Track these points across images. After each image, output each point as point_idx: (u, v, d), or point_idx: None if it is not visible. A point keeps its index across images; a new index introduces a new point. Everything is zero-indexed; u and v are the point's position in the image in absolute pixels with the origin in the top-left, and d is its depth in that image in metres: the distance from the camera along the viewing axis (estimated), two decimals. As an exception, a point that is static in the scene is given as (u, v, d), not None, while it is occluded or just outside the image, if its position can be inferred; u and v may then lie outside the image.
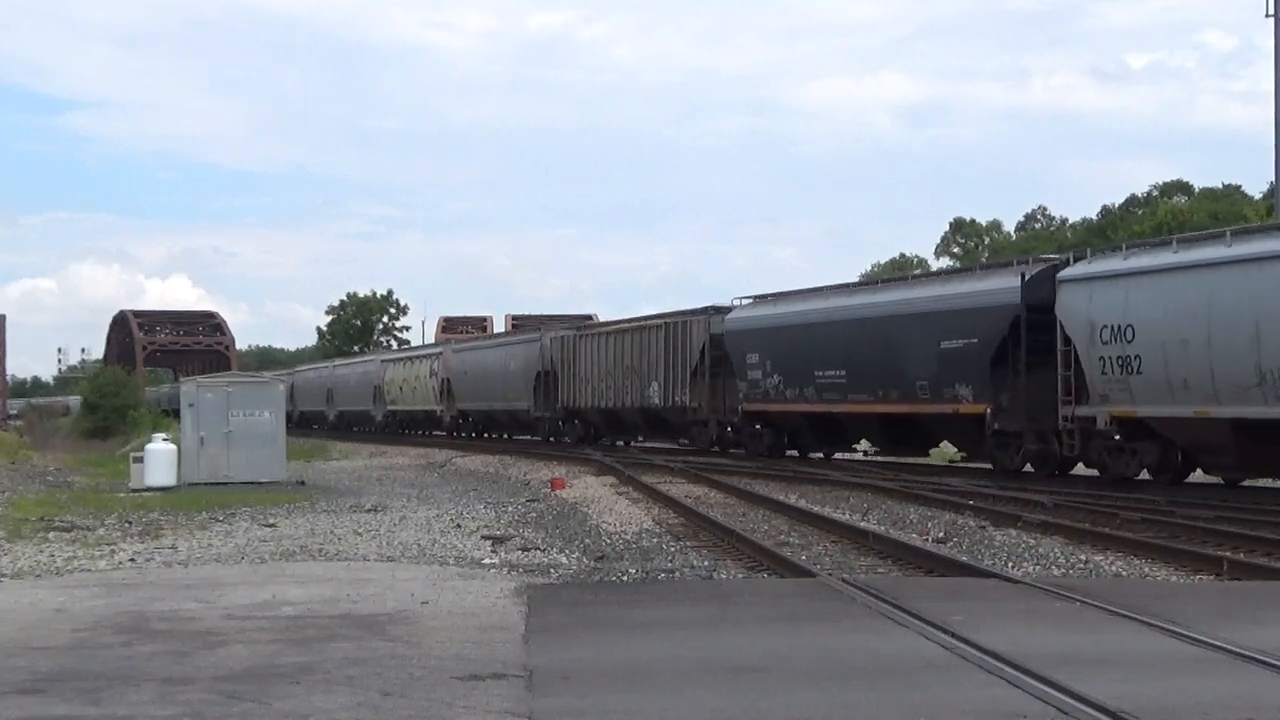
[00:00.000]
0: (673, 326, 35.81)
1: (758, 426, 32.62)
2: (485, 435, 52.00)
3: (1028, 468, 24.48)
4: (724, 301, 35.73)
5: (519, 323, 72.81)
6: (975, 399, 24.91)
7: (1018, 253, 66.12)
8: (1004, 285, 24.67)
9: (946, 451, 31.72)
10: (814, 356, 29.66)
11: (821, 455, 32.16)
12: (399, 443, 52.88)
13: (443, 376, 52.40)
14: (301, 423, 73.74)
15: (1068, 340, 22.82)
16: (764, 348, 31.61)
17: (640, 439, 40.72)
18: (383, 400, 60.65)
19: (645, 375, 36.74)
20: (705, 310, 35.25)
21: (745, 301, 34.16)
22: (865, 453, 32.50)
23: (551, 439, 43.69)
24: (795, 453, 32.33)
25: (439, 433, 54.71)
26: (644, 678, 7.97)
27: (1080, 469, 24.44)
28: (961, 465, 28.46)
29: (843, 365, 28.78)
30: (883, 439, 29.78)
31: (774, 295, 33.82)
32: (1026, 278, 23.90)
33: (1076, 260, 23.88)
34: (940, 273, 29.37)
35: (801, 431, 31.77)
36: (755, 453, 32.15)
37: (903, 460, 29.72)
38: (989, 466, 25.62)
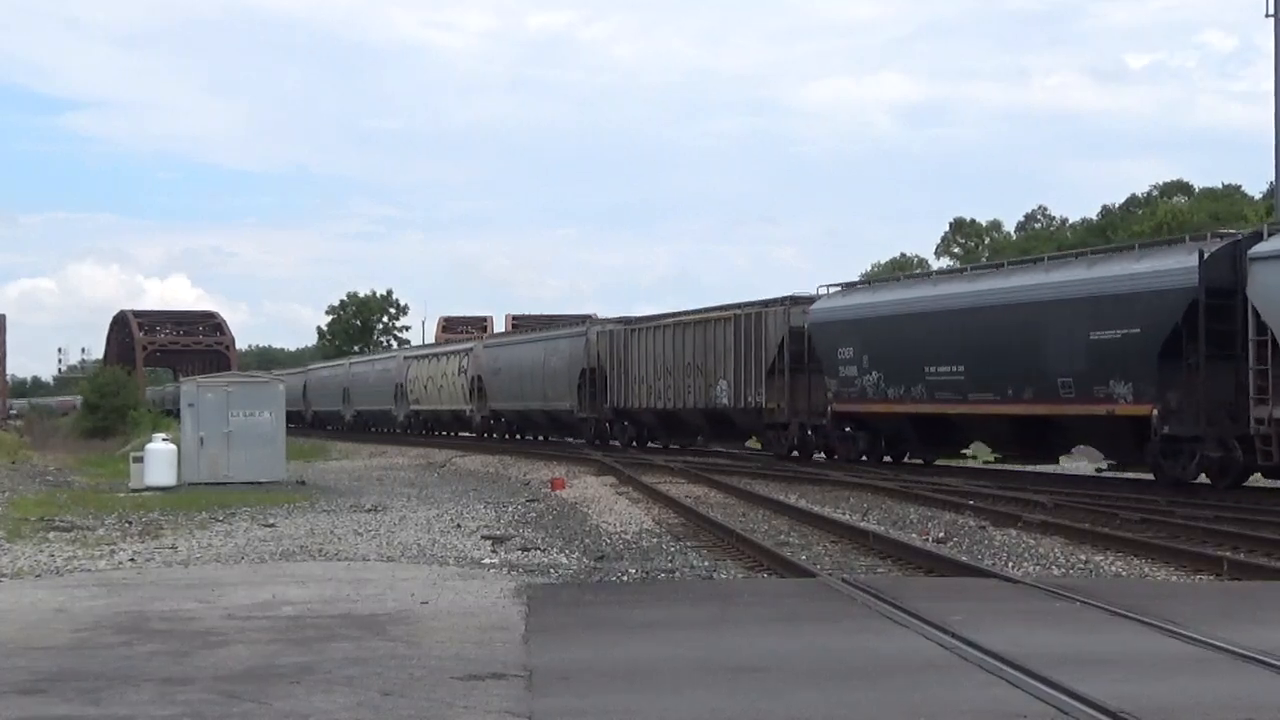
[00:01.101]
0: (745, 319, 32.41)
1: (848, 429, 29.52)
2: (519, 437, 48.85)
3: (1202, 478, 21.19)
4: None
5: (519, 323, 72.20)
6: (1136, 399, 21.34)
7: (1018, 253, 65.97)
8: (1176, 265, 21.04)
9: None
10: (924, 350, 26.07)
11: (921, 461, 28.94)
12: (399, 442, 52.74)
13: (473, 374, 49.14)
14: (315, 424, 71.61)
15: (1263, 328, 19.42)
16: (861, 341, 28.17)
17: (701, 442, 37.79)
18: (405, 399, 57.44)
19: (711, 373, 33.58)
20: (783, 301, 31.84)
21: (831, 290, 31.01)
22: (982, 460, 29.06)
23: (597, 442, 40.23)
24: (889, 458, 29.12)
25: (467, 434, 52.17)
26: (644, 678, 7.97)
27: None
28: (1109, 474, 24.28)
29: (961, 360, 25.19)
30: (1010, 444, 26.41)
31: (871, 282, 31.45)
32: (1206, 255, 20.31)
33: (1271, 234, 20.35)
34: (1090, 252, 25.21)
35: (904, 435, 28.51)
36: (846, 458, 29.20)
37: (1028, 467, 26.54)
38: (1149, 477, 22.29)
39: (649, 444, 38.92)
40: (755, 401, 31.65)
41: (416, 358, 58.28)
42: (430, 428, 56.74)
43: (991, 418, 25.28)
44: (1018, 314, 23.90)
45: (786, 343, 30.72)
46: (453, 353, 53.13)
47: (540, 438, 47.41)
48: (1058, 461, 26.98)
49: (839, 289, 31.13)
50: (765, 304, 32.87)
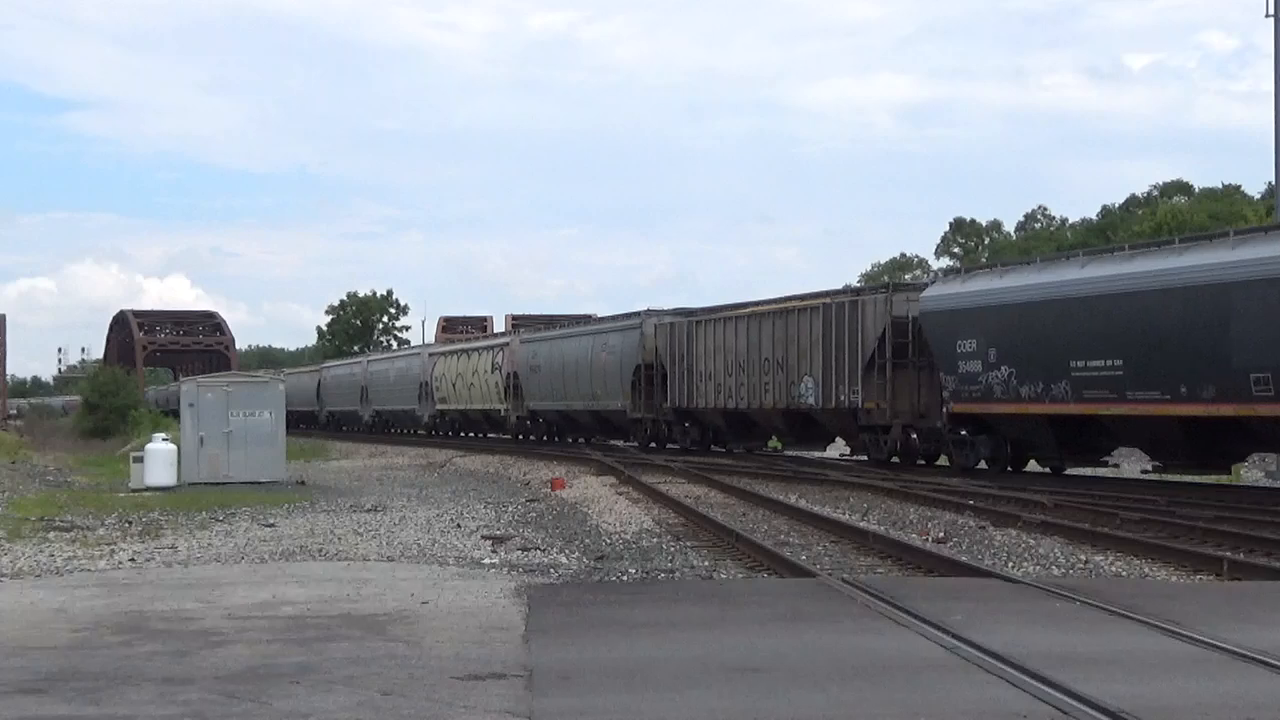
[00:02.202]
0: (837, 308, 28.97)
1: (964, 433, 25.86)
2: (562, 439, 44.60)
3: None
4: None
5: (519, 322, 71.42)
6: None
7: (1017, 253, 65.90)
8: None
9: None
10: (1069, 342, 22.67)
11: (1049, 470, 25.55)
12: (400, 442, 52.64)
13: (508, 371, 45.51)
14: (331, 425, 68.89)
15: None
16: (986, 332, 24.55)
17: (773, 446, 34.94)
18: (430, 399, 53.62)
19: (794, 369, 30.15)
20: (883, 287, 29.13)
21: (944, 274, 27.58)
22: (1139, 470, 25.19)
23: (652, 445, 37.31)
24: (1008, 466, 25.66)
25: (499, 436, 48.74)
26: (644, 678, 7.96)
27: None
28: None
29: (1118, 353, 21.76)
30: (1177, 450, 22.21)
31: (995, 265, 28.14)
32: None
33: None
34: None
35: (1036, 440, 24.84)
36: (963, 466, 25.64)
37: (1199, 479, 23.16)
38: None
39: (712, 447, 35.74)
40: (849, 401, 28.20)
41: (443, 353, 54.14)
42: (458, 429, 53.45)
43: (1156, 420, 21.64)
44: (1197, 299, 20.44)
45: (889, 335, 27.29)
46: (485, 348, 49.46)
47: (582, 440, 43.71)
48: (1230, 472, 23.78)
49: (954, 273, 27.57)
50: (858, 291, 30.25)
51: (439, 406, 52.92)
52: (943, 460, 27.74)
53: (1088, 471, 25.92)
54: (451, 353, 53.19)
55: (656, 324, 36.97)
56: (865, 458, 29.28)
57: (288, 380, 74.03)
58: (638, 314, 38.53)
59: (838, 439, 32.50)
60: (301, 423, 71.23)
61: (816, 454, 32.95)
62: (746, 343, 32.41)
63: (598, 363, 39.34)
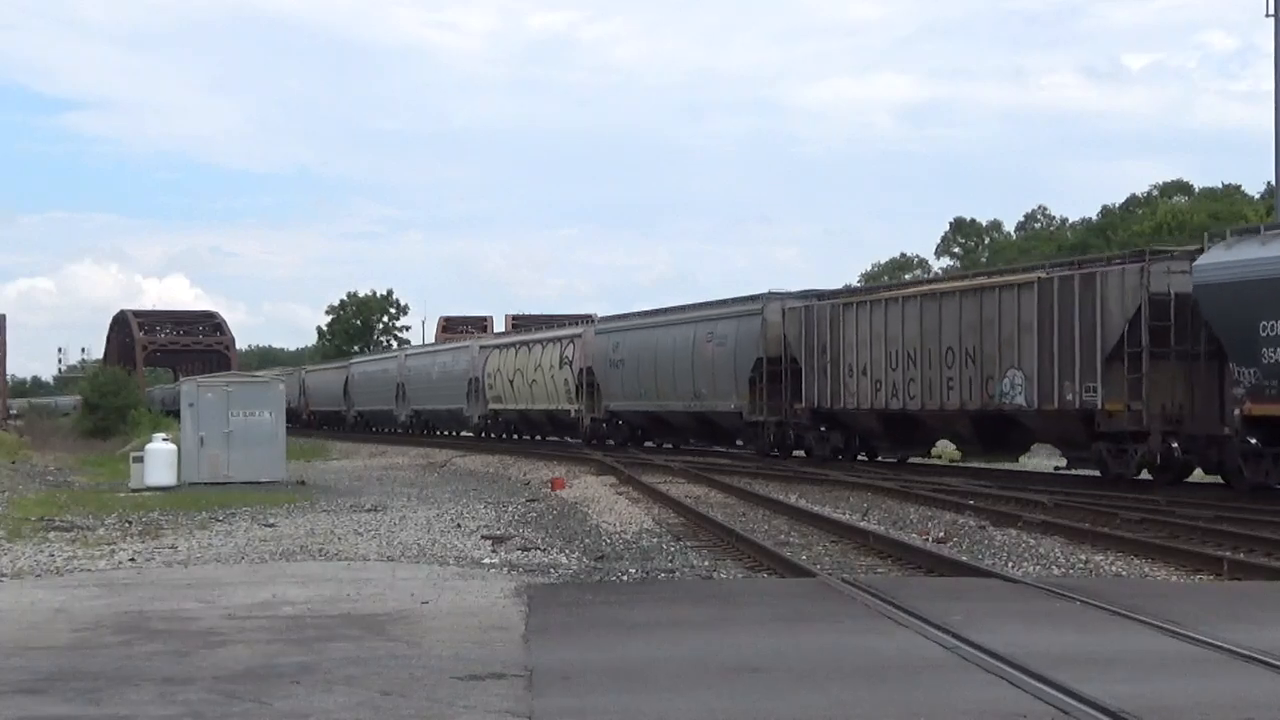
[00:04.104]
0: (1061, 284, 22.88)
1: (1253, 441, 19.74)
2: (652, 444, 38.93)
3: None
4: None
5: (519, 322, 70.41)
6: None
7: (1018, 253, 65.83)
8: None
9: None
10: None
11: None
12: (400, 442, 52.50)
13: (581, 366, 40.15)
14: (359, 425, 63.93)
15: None
16: None
17: (955, 455, 29.13)
18: (481, 398, 48.14)
19: (993, 361, 24.37)
20: (1136, 255, 22.79)
21: (1233, 234, 20.94)
22: None
23: (775, 452, 31.60)
24: None
25: (567, 440, 43.22)
26: (644, 678, 7.96)
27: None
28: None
29: None
30: None
31: None
32: None
33: None
34: None
35: None
36: (1253, 483, 19.91)
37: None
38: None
39: (859, 457, 29.94)
40: (1081, 401, 22.28)
41: (498, 346, 48.63)
42: (515, 432, 48.11)
43: None
44: None
45: (1145, 316, 21.21)
46: (551, 339, 43.69)
47: (673, 445, 38.28)
48: None
49: (1247, 232, 20.96)
50: (1091, 261, 24.50)
51: (492, 406, 47.61)
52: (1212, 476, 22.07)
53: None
54: (509, 345, 47.52)
55: (786, 308, 31.04)
56: (1099, 473, 22.93)
57: (310, 378, 73.87)
58: (756, 297, 32.69)
59: (1038, 447, 27.11)
60: (326, 424, 68.76)
61: (1008, 465, 27.55)
62: (920, 329, 26.45)
63: (702, 355, 33.78)
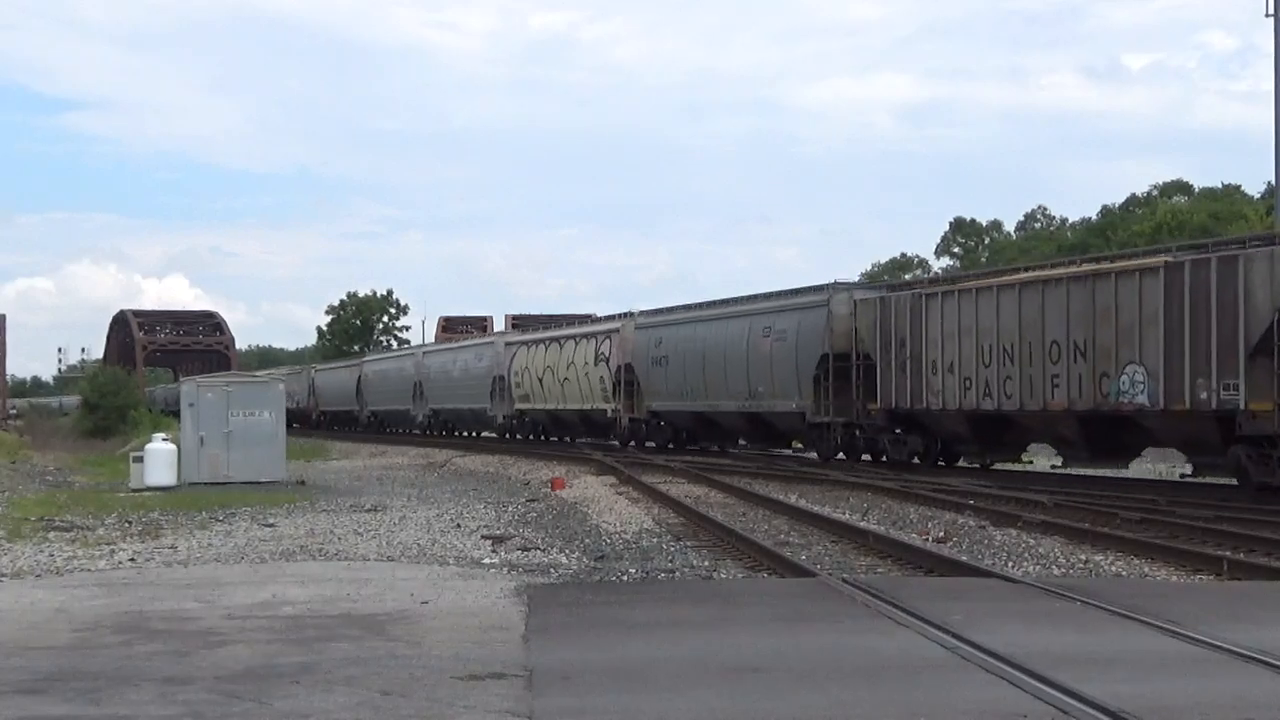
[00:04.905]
0: (1193, 270, 20.36)
1: None
2: (700, 447, 36.41)
3: None
4: None
5: (519, 322, 70.08)
6: None
7: (1018, 253, 65.83)
8: None
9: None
10: None
11: None
12: (400, 442, 52.47)
13: (619, 363, 37.95)
14: (373, 426, 62.15)
15: None
16: None
17: (1056, 461, 25.78)
18: (507, 397, 45.96)
19: (1107, 356, 21.87)
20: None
21: None
22: None
23: (841, 456, 29.29)
24: None
25: (602, 442, 40.59)
26: (644, 678, 7.96)
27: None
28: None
29: None
30: None
31: None
32: None
33: None
34: None
35: None
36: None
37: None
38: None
39: (939, 462, 27.32)
40: (1218, 401, 19.90)
41: (526, 343, 46.07)
42: (543, 433, 45.80)
43: None
44: None
45: None
46: (585, 335, 41.50)
47: (720, 448, 36.15)
48: None
49: None
50: (1224, 244, 22.08)
51: (519, 406, 45.38)
52: None
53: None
54: (537, 342, 44.98)
55: (858, 299, 28.74)
56: (1235, 482, 20.84)
57: (320, 377, 73.55)
58: (821, 288, 30.41)
59: (1151, 451, 24.40)
60: (337, 424, 68.05)
61: (1118, 473, 24.72)
62: (1018, 320, 23.85)
63: (758, 351, 31.46)
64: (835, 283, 30.08)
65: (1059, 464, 25.46)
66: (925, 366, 26.21)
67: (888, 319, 27.37)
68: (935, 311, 26.09)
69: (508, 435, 47.24)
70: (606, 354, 38.89)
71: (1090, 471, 25.33)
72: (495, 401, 46.93)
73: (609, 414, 38.86)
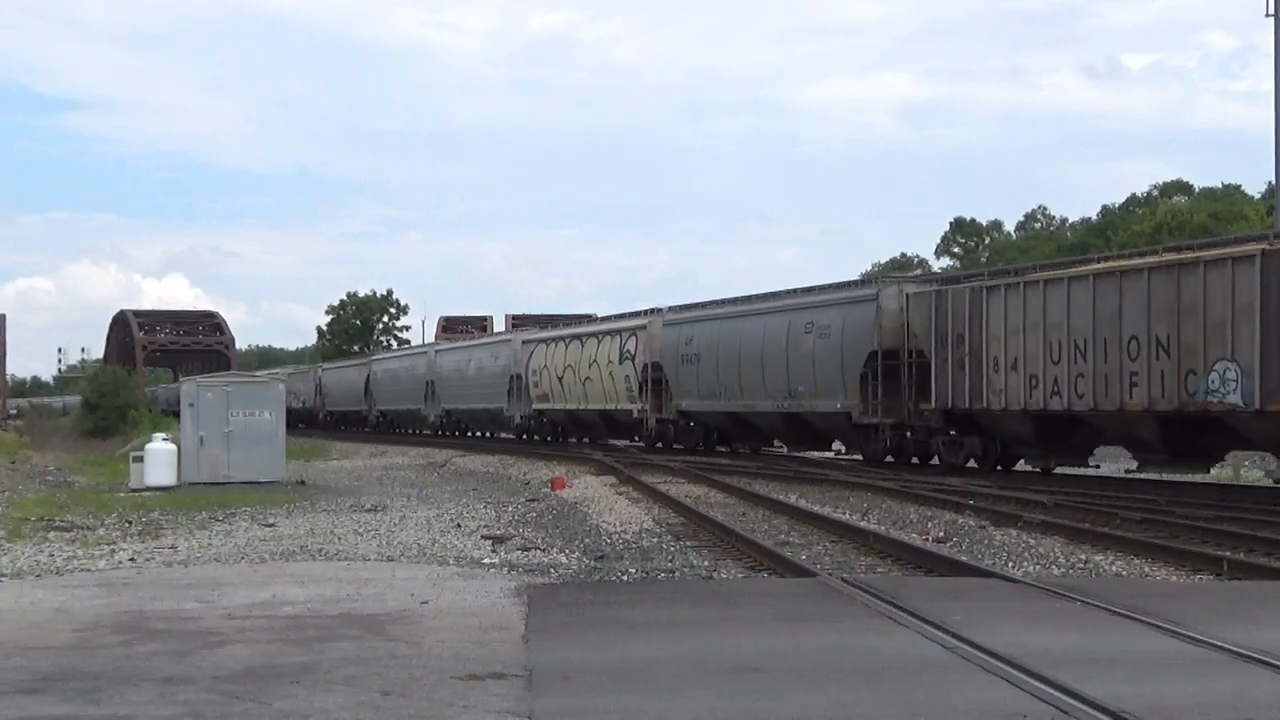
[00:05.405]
0: None
1: None
2: (731, 449, 34.60)
3: None
4: None
5: (519, 322, 69.76)
6: None
7: (1018, 253, 65.81)
8: None
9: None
10: None
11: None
12: (399, 442, 52.45)
13: (645, 361, 36.22)
14: (382, 426, 60.75)
15: None
16: None
17: (1132, 465, 23.50)
18: (525, 396, 44.31)
19: (1193, 352, 20.10)
20: None
21: None
22: None
23: (890, 459, 27.75)
24: None
25: (626, 443, 39.53)
26: (644, 678, 7.96)
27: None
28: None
29: None
30: None
31: None
32: None
33: None
34: None
35: None
36: None
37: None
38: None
39: (998, 466, 25.43)
40: None
41: (545, 341, 44.22)
42: (562, 434, 43.89)
43: None
44: None
45: None
46: (609, 333, 39.52)
47: (749, 450, 34.23)
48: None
49: None
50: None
51: (537, 406, 43.73)
52: None
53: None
54: (557, 339, 43.22)
55: (911, 293, 26.81)
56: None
57: (327, 376, 73.26)
58: (868, 281, 29.14)
59: (1231, 455, 23.35)
60: (345, 424, 67.10)
61: (1196, 478, 22.99)
62: (1092, 315, 22.04)
63: (799, 349, 29.85)
64: (884, 276, 27.69)
65: (1133, 468, 23.59)
66: (986, 363, 24.43)
67: (943, 313, 25.50)
68: (997, 305, 24.24)
69: (524, 436, 45.82)
70: (632, 352, 37.10)
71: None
72: (512, 401, 45.41)
73: (634, 414, 37.30)
